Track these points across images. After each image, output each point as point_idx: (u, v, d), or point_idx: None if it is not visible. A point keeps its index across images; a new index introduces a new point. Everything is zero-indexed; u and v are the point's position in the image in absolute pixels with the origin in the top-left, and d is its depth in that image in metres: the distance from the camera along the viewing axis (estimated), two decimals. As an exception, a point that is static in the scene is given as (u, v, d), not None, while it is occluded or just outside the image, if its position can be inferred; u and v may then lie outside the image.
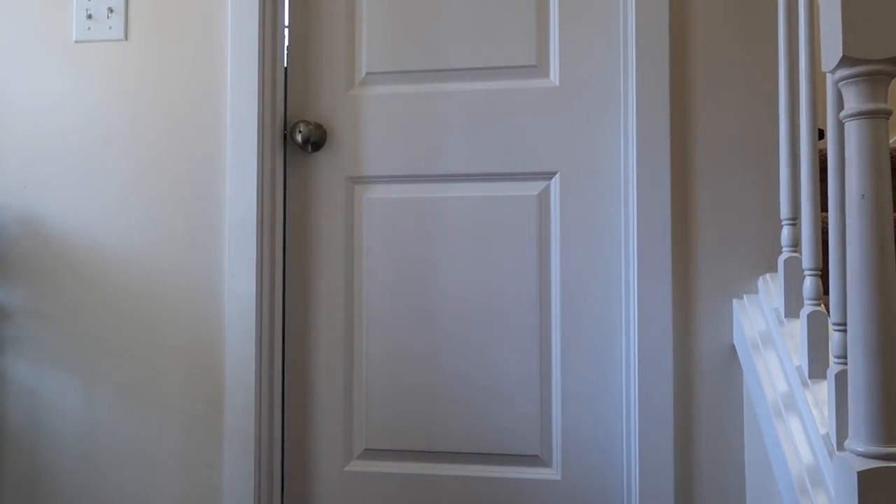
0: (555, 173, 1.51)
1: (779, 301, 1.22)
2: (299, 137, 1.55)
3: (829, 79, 0.92)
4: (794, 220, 1.20)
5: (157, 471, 1.51)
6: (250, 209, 1.49)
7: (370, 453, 1.55)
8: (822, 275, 1.29)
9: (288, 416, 1.57)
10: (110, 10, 1.56)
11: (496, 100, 1.53)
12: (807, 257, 1.07)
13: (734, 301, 1.38)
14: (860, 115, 0.74)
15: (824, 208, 1.53)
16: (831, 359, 0.96)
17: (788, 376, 1.13)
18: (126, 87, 1.55)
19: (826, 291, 1.33)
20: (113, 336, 1.54)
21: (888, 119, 0.75)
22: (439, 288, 1.53)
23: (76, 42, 1.57)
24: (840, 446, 0.90)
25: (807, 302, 1.07)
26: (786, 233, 1.21)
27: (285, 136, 1.59)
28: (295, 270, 1.58)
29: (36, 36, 1.58)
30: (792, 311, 1.19)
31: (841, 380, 0.89)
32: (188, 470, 1.50)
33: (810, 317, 1.05)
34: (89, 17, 1.56)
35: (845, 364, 0.90)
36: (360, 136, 1.57)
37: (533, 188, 1.52)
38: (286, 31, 1.60)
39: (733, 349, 1.38)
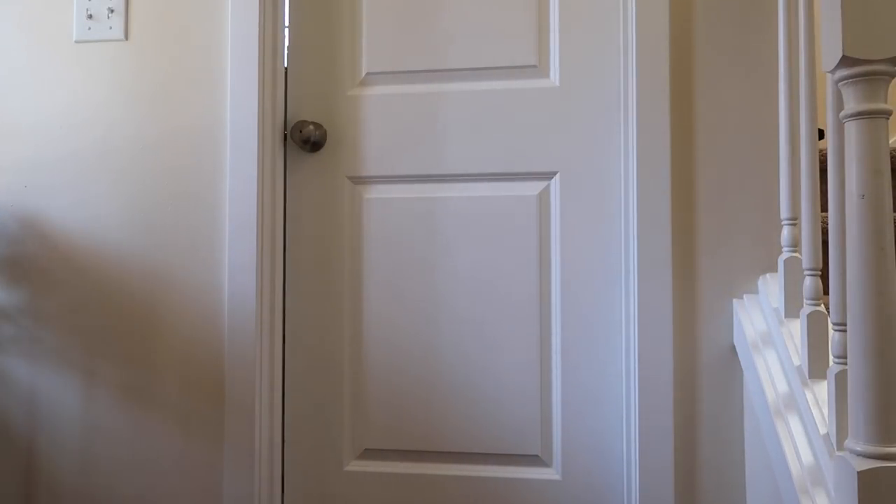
0: (555, 173, 1.51)
1: (779, 301, 1.22)
2: (299, 137, 1.55)
3: (829, 79, 0.92)
4: (794, 220, 1.20)
5: (156, 471, 1.51)
6: (250, 209, 1.49)
7: (370, 453, 1.55)
8: (822, 275, 1.29)
9: (288, 416, 1.57)
10: (110, 10, 1.56)
11: (496, 100, 1.53)
12: (807, 257, 1.07)
13: (734, 301, 1.38)
14: (860, 115, 0.74)
15: (824, 208, 1.53)
16: (831, 359, 0.96)
17: (788, 376, 1.14)
18: (126, 87, 1.55)
19: (826, 291, 1.33)
20: (113, 336, 1.54)
21: (888, 119, 0.75)
22: (439, 288, 1.53)
23: (76, 42, 1.57)
24: (840, 446, 0.90)
25: (807, 302, 1.07)
26: (786, 233, 1.21)
27: (285, 136, 1.59)
28: (295, 270, 1.59)
29: (36, 36, 1.58)
30: (792, 311, 1.19)
31: (841, 380, 0.89)
32: (188, 470, 1.50)
33: (810, 317, 1.05)
34: (89, 17, 1.56)
35: (845, 364, 0.90)
36: (361, 136, 1.57)
37: (533, 188, 1.52)
38: (286, 31, 1.60)
39: (733, 349, 1.38)
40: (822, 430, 0.96)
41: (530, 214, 1.52)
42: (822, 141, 1.65)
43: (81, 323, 1.54)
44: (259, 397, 1.49)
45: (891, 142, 1.91)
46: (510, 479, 1.50)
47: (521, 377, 1.50)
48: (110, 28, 1.56)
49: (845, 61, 0.74)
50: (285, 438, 1.57)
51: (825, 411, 0.99)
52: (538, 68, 1.53)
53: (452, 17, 1.55)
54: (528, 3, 1.53)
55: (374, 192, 1.57)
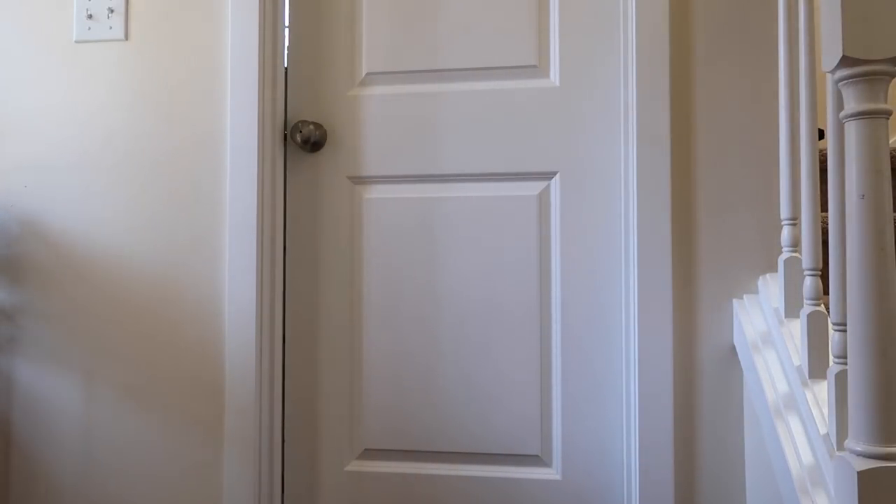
0: (555, 173, 1.51)
1: (779, 301, 1.22)
2: (299, 137, 1.55)
3: (829, 79, 0.92)
4: (794, 220, 1.20)
5: (157, 471, 1.51)
6: (250, 210, 1.49)
7: (370, 453, 1.55)
8: (822, 275, 1.29)
9: (288, 416, 1.57)
10: (110, 10, 1.56)
11: (496, 100, 1.53)
12: (807, 257, 1.07)
13: (734, 301, 1.38)
14: (860, 115, 0.74)
15: (824, 208, 1.53)
16: (831, 359, 0.96)
17: (788, 376, 1.14)
18: (126, 87, 1.55)
19: (826, 291, 1.33)
20: (113, 336, 1.54)
21: (888, 119, 0.75)
22: (440, 288, 1.53)
23: (76, 42, 1.57)
24: (840, 446, 0.90)
25: (807, 302, 1.07)
26: (786, 233, 1.21)
27: (285, 136, 1.59)
28: (295, 271, 1.59)
29: (36, 36, 1.58)
30: (792, 311, 1.19)
31: (841, 380, 0.89)
32: (188, 470, 1.50)
33: (810, 317, 1.05)
34: (89, 17, 1.56)
35: (845, 364, 0.90)
36: (361, 136, 1.57)
37: (533, 188, 1.52)
38: (286, 31, 1.60)
39: (733, 349, 1.38)
40: (822, 430, 0.96)
41: (530, 214, 1.52)
42: (822, 141, 1.65)
43: (81, 323, 1.54)
44: (259, 397, 1.49)
45: (891, 142, 1.91)
46: (510, 479, 1.50)
47: (521, 377, 1.50)
48: (110, 28, 1.56)
49: (845, 61, 0.74)
50: (285, 438, 1.57)
51: (825, 411, 0.99)
52: (538, 68, 1.53)
53: (452, 17, 1.55)
54: (527, 4, 1.53)
55: (374, 192, 1.57)
